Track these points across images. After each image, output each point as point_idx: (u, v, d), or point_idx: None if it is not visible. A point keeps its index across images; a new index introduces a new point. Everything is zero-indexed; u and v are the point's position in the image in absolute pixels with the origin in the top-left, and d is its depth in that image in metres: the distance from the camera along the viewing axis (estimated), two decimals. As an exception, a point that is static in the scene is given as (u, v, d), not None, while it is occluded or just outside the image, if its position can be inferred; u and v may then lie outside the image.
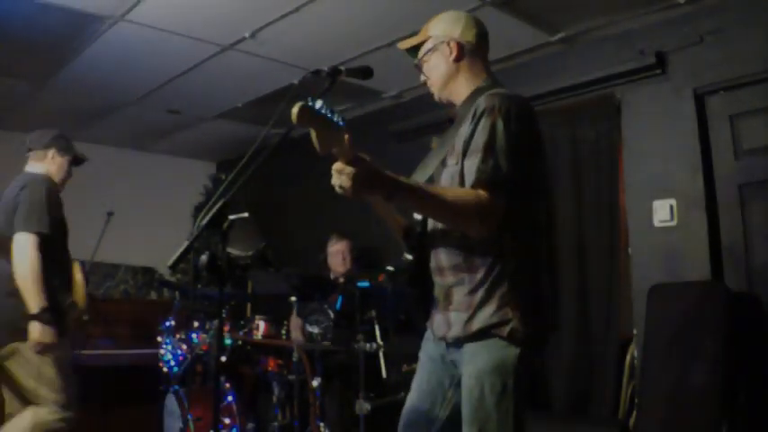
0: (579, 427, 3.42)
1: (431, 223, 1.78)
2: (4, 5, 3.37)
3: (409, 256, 1.79)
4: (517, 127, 1.62)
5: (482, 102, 1.66)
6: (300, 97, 1.40)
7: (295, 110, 1.37)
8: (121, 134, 5.65)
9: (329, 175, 1.47)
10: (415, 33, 1.92)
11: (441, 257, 1.74)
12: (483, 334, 1.63)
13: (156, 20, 3.57)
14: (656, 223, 3.41)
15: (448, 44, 1.82)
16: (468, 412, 1.65)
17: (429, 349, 1.86)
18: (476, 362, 1.65)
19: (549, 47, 3.87)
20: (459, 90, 1.82)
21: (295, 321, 3.84)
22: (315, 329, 3.79)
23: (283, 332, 4.09)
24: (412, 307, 1.62)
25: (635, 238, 3.53)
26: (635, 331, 3.34)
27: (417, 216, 1.82)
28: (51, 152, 3.12)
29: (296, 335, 3.93)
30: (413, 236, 1.81)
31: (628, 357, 3.39)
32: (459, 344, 1.70)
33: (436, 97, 1.88)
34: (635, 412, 3.13)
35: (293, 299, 3.87)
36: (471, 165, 1.61)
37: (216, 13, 3.49)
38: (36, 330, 2.75)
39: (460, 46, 1.81)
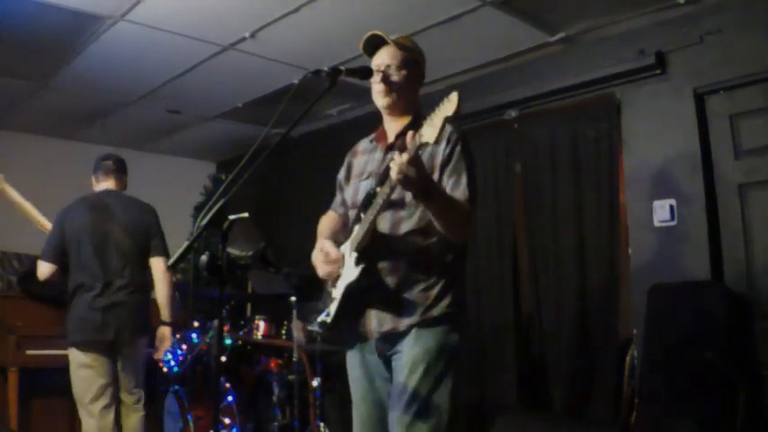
0: (579, 427, 3.42)
1: (388, 227, 1.93)
2: (4, 5, 3.36)
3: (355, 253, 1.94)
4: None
5: (453, 131, 1.94)
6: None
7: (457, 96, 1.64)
8: (121, 134, 5.65)
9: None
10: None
11: (400, 259, 1.91)
12: (436, 321, 1.89)
13: (156, 20, 3.56)
14: (656, 223, 3.41)
15: (422, 72, 2.10)
16: (414, 381, 1.84)
17: (364, 363, 2.03)
18: (422, 343, 1.88)
19: (549, 47, 3.86)
20: (403, 111, 2.05)
21: (296, 323, 3.85)
22: (315, 328, 3.78)
23: (283, 332, 4.08)
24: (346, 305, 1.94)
25: (635, 238, 3.52)
26: (635, 331, 3.34)
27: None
28: (125, 179, 3.58)
29: (297, 335, 3.92)
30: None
31: (628, 357, 3.38)
32: (404, 334, 1.90)
33: (383, 102, 2.03)
34: (635, 412, 3.13)
35: (293, 299, 3.87)
36: (459, 183, 1.90)
37: (216, 13, 3.49)
38: (169, 334, 3.50)
39: (423, 78, 2.12)
